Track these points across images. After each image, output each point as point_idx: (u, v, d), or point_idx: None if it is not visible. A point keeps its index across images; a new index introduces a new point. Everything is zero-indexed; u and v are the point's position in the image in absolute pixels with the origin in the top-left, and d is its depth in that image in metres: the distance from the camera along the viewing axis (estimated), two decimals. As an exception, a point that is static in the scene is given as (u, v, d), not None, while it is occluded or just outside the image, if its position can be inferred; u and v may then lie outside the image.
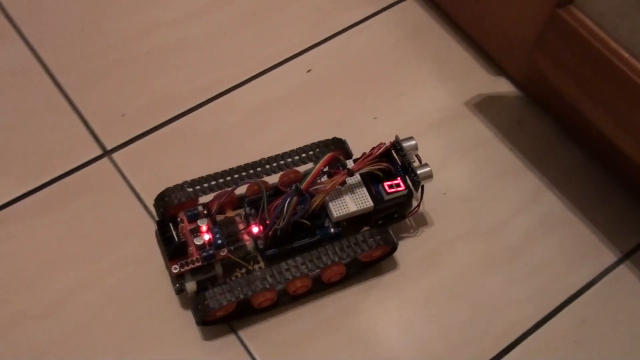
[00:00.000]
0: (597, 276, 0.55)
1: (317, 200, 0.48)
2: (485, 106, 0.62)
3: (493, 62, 0.64)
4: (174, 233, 0.48)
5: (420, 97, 0.62)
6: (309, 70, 0.63)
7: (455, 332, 0.52)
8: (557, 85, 0.49)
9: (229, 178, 0.50)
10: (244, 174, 0.51)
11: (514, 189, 0.58)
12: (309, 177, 0.48)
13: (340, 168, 0.50)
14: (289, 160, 0.51)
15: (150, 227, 0.53)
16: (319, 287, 0.51)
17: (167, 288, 0.51)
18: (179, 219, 0.49)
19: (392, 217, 0.52)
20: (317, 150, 0.52)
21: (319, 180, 0.49)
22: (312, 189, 0.48)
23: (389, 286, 0.53)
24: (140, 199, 0.55)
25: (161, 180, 0.55)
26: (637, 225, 0.57)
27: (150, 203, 0.54)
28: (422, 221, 0.55)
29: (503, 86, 0.63)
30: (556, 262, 0.55)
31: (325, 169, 0.49)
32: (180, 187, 0.50)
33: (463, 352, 0.51)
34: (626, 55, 0.44)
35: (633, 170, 0.56)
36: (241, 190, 0.51)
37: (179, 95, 0.60)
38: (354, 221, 0.51)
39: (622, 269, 0.55)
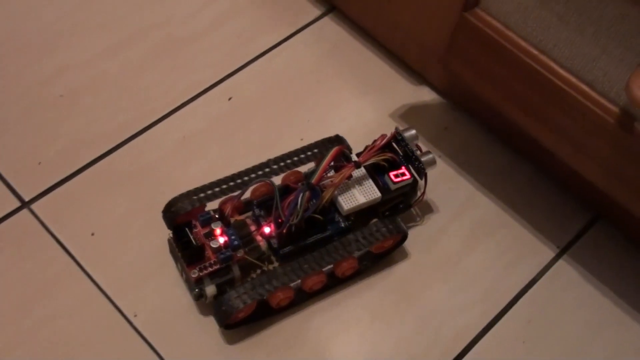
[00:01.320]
0: (537, 274, 0.55)
1: (327, 195, 0.49)
2: (411, 116, 0.62)
3: (414, 71, 0.64)
4: (191, 237, 0.48)
5: (345, 113, 0.62)
6: (230, 98, 0.62)
7: (403, 346, 0.51)
8: (474, 88, 0.49)
9: (232, 183, 0.50)
10: (246, 178, 0.51)
11: (447, 196, 0.58)
12: (319, 172, 0.48)
13: (346, 162, 0.51)
14: (295, 159, 0.52)
15: (78, 277, 0.51)
16: (334, 282, 0.51)
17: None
18: (192, 225, 0.49)
19: (398, 208, 0.53)
20: (316, 150, 0.53)
21: (325, 176, 0.50)
22: (320, 184, 0.49)
23: (336, 305, 0.52)
24: (65, 249, 0.53)
25: (87, 227, 0.54)
26: (570, 219, 0.57)
27: (77, 252, 0.52)
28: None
29: (426, 95, 0.63)
30: (496, 265, 0.55)
31: (332, 164, 0.50)
32: (186, 196, 0.50)
33: (412, 367, 0.50)
34: (535, 52, 0.44)
35: (559, 164, 0.56)
36: (246, 195, 0.51)
37: (98, 136, 0.58)
38: (362, 215, 0.52)
39: (560, 264, 0.55)
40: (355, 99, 0.62)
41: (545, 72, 0.44)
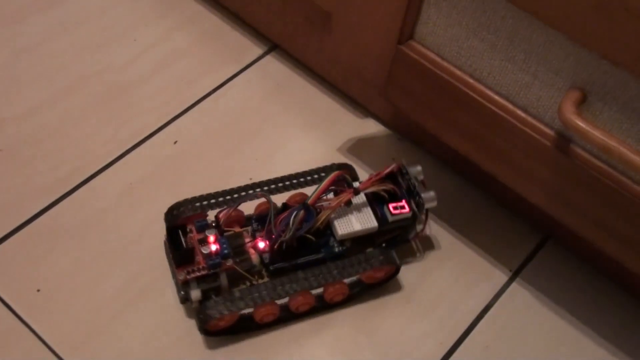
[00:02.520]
0: (492, 299, 0.55)
1: (322, 217, 0.49)
2: (358, 149, 0.62)
3: (358, 104, 0.64)
4: (183, 240, 0.49)
5: (293, 150, 0.62)
6: (175, 142, 0.61)
7: (362, 384, 0.50)
8: (415, 118, 0.49)
9: (236, 195, 0.52)
10: (250, 191, 0.52)
11: (398, 227, 0.58)
12: (316, 193, 0.49)
13: (347, 187, 0.51)
14: (301, 180, 0.53)
15: (25, 335, 0.50)
16: (322, 306, 0.51)
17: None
18: (188, 229, 0.50)
19: (396, 241, 0.53)
20: (323, 174, 0.54)
21: (325, 198, 0.50)
22: (317, 205, 0.49)
23: (287, 346, 0.51)
24: (9, 308, 0.51)
25: (33, 283, 0.52)
26: (521, 241, 0.58)
27: (22, 310, 0.51)
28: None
29: (372, 127, 0.64)
30: (451, 292, 0.55)
31: (332, 187, 0.50)
32: (189, 202, 0.51)
33: (374, 404, 0.49)
34: (471, 80, 0.45)
35: (505, 188, 0.57)
36: (249, 209, 0.52)
37: (40, 189, 0.57)
38: (359, 244, 0.52)
39: (514, 287, 0.56)
40: (302, 135, 0.63)
41: (482, 100, 0.44)
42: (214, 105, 0.64)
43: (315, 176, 0.54)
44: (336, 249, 0.51)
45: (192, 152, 0.61)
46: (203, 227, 0.50)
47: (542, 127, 0.43)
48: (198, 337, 0.51)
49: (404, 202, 0.52)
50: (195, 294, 0.48)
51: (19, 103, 0.62)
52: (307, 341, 0.51)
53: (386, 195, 0.52)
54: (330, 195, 0.51)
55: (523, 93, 0.43)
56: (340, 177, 0.51)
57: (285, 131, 0.63)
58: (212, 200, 0.52)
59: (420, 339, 0.52)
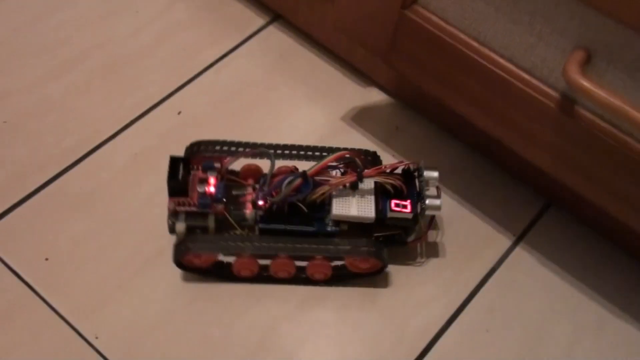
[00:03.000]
0: (496, 263, 0.55)
1: (320, 191, 0.49)
2: (362, 118, 0.62)
3: (362, 74, 0.64)
4: (180, 172, 0.49)
5: (297, 120, 0.62)
6: (179, 112, 0.61)
7: (369, 345, 0.51)
8: (420, 85, 0.49)
9: (255, 151, 0.52)
10: (271, 151, 0.51)
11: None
12: (317, 166, 0.49)
13: (356, 169, 0.50)
14: (322, 154, 0.52)
15: (34, 303, 0.50)
16: (301, 280, 0.51)
17: None
18: (194, 166, 0.51)
19: (393, 239, 0.51)
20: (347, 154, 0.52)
21: (332, 174, 0.50)
22: (321, 179, 0.49)
23: (300, 308, 0.51)
24: (19, 276, 0.52)
25: (41, 252, 0.52)
26: (524, 207, 0.58)
27: (31, 279, 0.51)
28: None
29: (375, 96, 0.64)
30: (456, 257, 0.55)
31: (340, 166, 0.50)
32: (212, 143, 0.52)
33: (380, 366, 0.50)
34: (475, 44, 0.45)
35: (509, 154, 0.57)
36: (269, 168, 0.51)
37: (46, 160, 0.57)
38: (356, 231, 0.51)
39: (517, 251, 0.56)
40: (306, 105, 0.63)
41: (487, 63, 0.44)
42: (217, 77, 0.64)
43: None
44: (329, 228, 0.50)
45: (196, 122, 0.61)
46: (209, 168, 0.50)
47: (546, 89, 0.43)
48: (205, 303, 0.52)
49: (408, 202, 0.50)
50: (180, 226, 0.49)
51: (22, 76, 0.62)
52: (313, 306, 0.52)
53: (391, 190, 0.50)
54: (338, 174, 0.51)
55: (528, 55, 0.43)
56: (350, 159, 0.51)
57: (289, 101, 0.63)
58: (232, 148, 0.52)
59: (425, 302, 0.53)
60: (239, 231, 0.50)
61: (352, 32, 0.52)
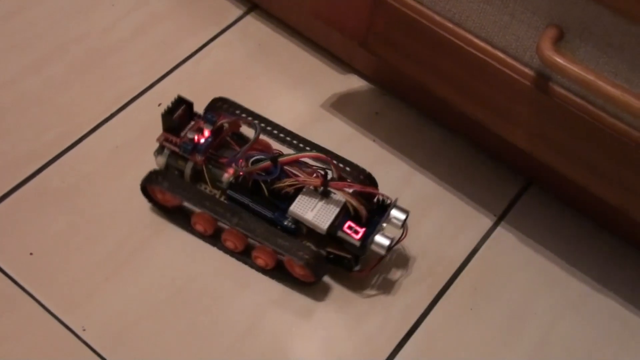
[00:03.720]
0: (478, 243, 0.56)
1: (285, 182, 0.49)
2: (341, 105, 0.63)
3: (341, 61, 0.65)
4: (178, 113, 0.51)
5: (277, 109, 0.62)
6: (160, 104, 0.61)
7: (355, 328, 0.51)
8: (398, 67, 0.50)
9: (269, 128, 0.54)
10: (260, 125, 0.53)
11: (384, 178, 0.58)
12: (291, 157, 0.49)
13: (324, 175, 0.50)
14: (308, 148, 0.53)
15: (20, 298, 0.50)
16: (244, 258, 0.52)
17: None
18: (197, 115, 0.53)
19: (340, 261, 0.50)
20: (345, 166, 0.53)
21: (300, 169, 0.50)
22: (292, 172, 0.49)
23: (285, 295, 0.52)
24: (4, 272, 0.52)
25: (25, 247, 0.52)
26: (504, 187, 0.59)
27: (16, 274, 0.52)
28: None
29: (354, 82, 0.64)
30: (438, 238, 0.56)
31: (319, 169, 0.50)
32: (234, 105, 0.55)
33: (368, 346, 0.51)
34: (450, 25, 0.46)
35: (488, 135, 0.58)
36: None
37: (26, 155, 0.57)
38: (313, 239, 0.50)
39: (499, 231, 0.57)
40: (286, 93, 0.63)
41: (462, 44, 0.45)
42: (195, 68, 0.64)
43: (343, 167, 0.53)
44: (286, 222, 0.49)
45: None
46: (209, 121, 0.52)
47: (521, 67, 0.44)
48: (192, 291, 0.52)
49: (362, 230, 0.48)
50: (160, 160, 0.52)
51: (1, 71, 0.61)
52: (300, 292, 0.53)
53: (352, 211, 0.49)
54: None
55: (502, 34, 0.44)
56: (326, 164, 0.50)
57: (269, 90, 0.63)
58: (250, 118, 0.54)
59: (409, 284, 0.54)
60: (209, 188, 0.52)
61: (328, 18, 0.52)
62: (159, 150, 0.53)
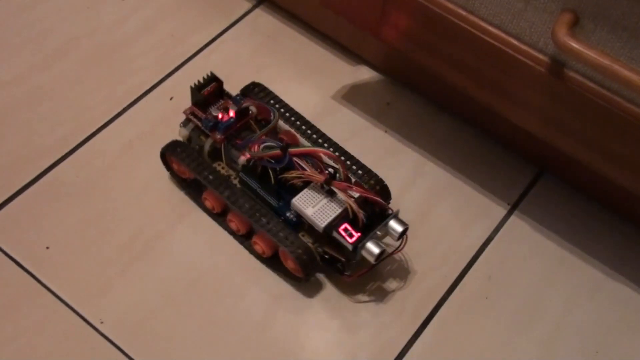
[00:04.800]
0: (492, 232, 0.56)
1: (291, 174, 0.49)
2: (352, 96, 0.63)
3: (351, 52, 0.65)
4: (207, 90, 0.53)
5: (288, 101, 0.61)
6: (171, 98, 0.61)
7: (370, 317, 0.51)
8: (411, 56, 0.50)
9: (293, 118, 0.55)
10: (302, 127, 0.55)
11: (396, 168, 0.59)
12: (302, 149, 0.50)
13: (330, 173, 0.49)
14: (333, 150, 0.53)
15: (38, 292, 0.51)
16: (245, 242, 0.53)
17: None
18: (227, 95, 0.54)
19: (333, 263, 0.50)
20: (362, 171, 0.53)
21: (307, 163, 0.50)
22: (300, 164, 0.49)
23: (300, 288, 0.52)
24: (21, 266, 0.52)
25: (41, 241, 0.53)
26: (517, 176, 0.59)
27: (33, 268, 0.52)
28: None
29: (365, 73, 0.64)
30: (453, 227, 0.56)
31: (329, 166, 0.50)
32: (268, 93, 0.56)
33: (384, 336, 0.51)
34: (463, 12, 0.46)
35: (500, 123, 0.58)
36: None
37: (40, 150, 0.57)
38: (312, 236, 0.50)
39: (513, 219, 0.57)
40: (296, 85, 0.63)
41: (476, 31, 0.45)
42: (206, 61, 0.64)
43: (356, 169, 0.53)
44: (287, 213, 0.50)
45: (188, 106, 0.61)
46: (236, 102, 0.53)
47: (536, 53, 0.44)
48: (207, 283, 0.52)
49: (357, 234, 0.48)
50: (183, 132, 0.54)
51: (11, 68, 0.61)
52: (314, 283, 0.53)
53: (350, 215, 0.48)
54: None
55: (516, 21, 0.44)
56: (331, 157, 0.50)
57: (279, 83, 0.63)
58: (277, 105, 0.55)
59: (424, 273, 0.54)
60: (223, 166, 0.53)
61: (339, 8, 0.52)
62: (185, 123, 0.54)
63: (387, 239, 0.52)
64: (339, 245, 0.49)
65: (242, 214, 0.50)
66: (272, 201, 0.50)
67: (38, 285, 0.51)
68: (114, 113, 0.60)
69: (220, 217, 0.54)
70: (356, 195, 0.49)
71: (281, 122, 0.55)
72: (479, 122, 0.61)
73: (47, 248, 0.53)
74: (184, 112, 0.54)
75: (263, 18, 0.67)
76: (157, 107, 0.61)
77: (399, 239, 0.50)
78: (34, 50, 0.63)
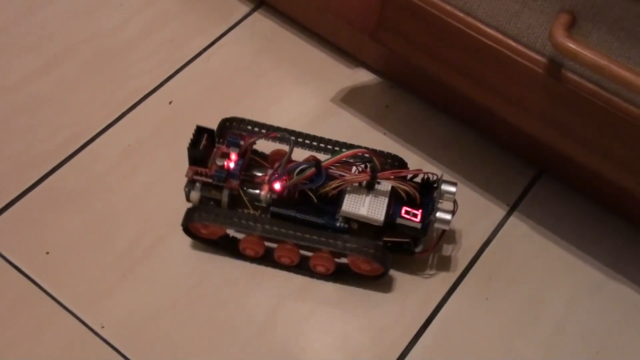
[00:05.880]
0: (492, 233, 0.56)
1: (333, 184, 0.49)
2: (351, 98, 0.63)
3: (349, 55, 0.65)
4: (203, 143, 0.50)
5: (287, 105, 0.62)
6: (170, 102, 0.61)
7: (370, 321, 0.51)
8: (409, 59, 0.50)
9: (278, 134, 0.52)
10: (299, 139, 0.52)
11: (396, 170, 0.59)
12: (333, 159, 0.49)
13: (372, 168, 0.50)
14: (340, 149, 0.52)
15: (38, 297, 0.51)
16: (303, 270, 0.52)
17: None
18: (219, 140, 0.52)
19: (401, 247, 0.50)
20: (367, 155, 0.51)
21: (342, 169, 0.49)
22: (335, 173, 0.49)
23: (302, 290, 0.52)
24: (21, 271, 0.52)
25: (41, 247, 0.53)
26: (516, 177, 0.59)
27: (34, 273, 0.52)
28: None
29: (364, 76, 0.64)
30: (452, 230, 0.56)
31: (358, 163, 0.50)
32: (243, 122, 0.53)
33: (384, 338, 0.51)
34: (461, 14, 0.46)
35: (499, 125, 0.58)
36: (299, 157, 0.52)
37: (40, 155, 0.57)
38: (366, 232, 0.50)
39: (512, 220, 0.57)
40: (295, 89, 0.63)
41: (473, 33, 0.45)
42: (205, 65, 0.64)
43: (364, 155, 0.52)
44: (338, 223, 0.50)
45: (188, 111, 0.61)
46: (233, 144, 0.51)
47: (533, 55, 0.44)
48: (208, 287, 0.52)
49: (419, 212, 0.49)
50: (194, 195, 0.51)
51: (11, 73, 0.62)
52: (317, 286, 0.53)
53: (404, 197, 0.50)
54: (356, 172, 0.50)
55: (513, 22, 0.44)
56: (369, 158, 0.50)
57: (278, 86, 0.63)
58: (263, 130, 0.53)
59: (424, 276, 0.54)
60: (251, 210, 0.51)
61: (338, 11, 0.52)
62: (190, 185, 0.51)
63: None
64: (395, 230, 0.49)
65: (295, 243, 0.50)
66: (317, 219, 0.50)
67: (38, 290, 0.51)
68: (113, 117, 0.60)
69: (263, 260, 0.52)
70: (404, 177, 0.50)
71: (262, 144, 0.54)
72: (478, 124, 0.61)
73: (47, 253, 0.53)
74: (187, 176, 0.51)
75: (262, 22, 0.67)
76: (156, 112, 0.61)
77: (454, 199, 0.50)
78: (34, 55, 0.63)
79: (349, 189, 0.50)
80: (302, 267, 0.52)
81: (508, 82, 0.46)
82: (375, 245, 0.49)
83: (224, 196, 0.51)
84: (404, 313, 0.52)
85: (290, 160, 0.50)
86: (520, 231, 0.57)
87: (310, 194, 0.50)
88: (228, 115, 0.54)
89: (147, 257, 0.53)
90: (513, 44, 0.45)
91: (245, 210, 0.51)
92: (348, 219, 0.50)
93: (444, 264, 0.54)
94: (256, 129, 0.53)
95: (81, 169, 0.57)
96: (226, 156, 0.51)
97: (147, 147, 0.58)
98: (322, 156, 0.51)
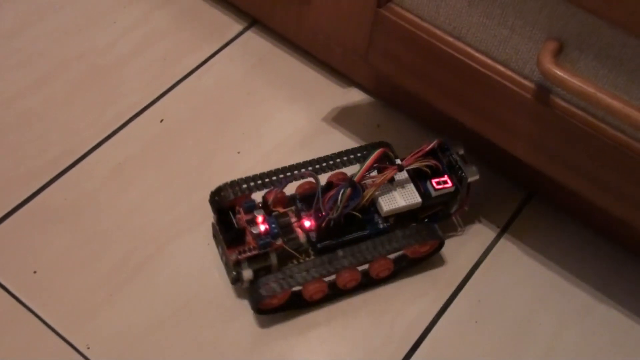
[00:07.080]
0: (482, 255, 0.56)
1: (368, 194, 0.50)
2: (343, 118, 0.63)
3: (341, 74, 0.65)
4: (234, 221, 0.49)
5: (279, 123, 0.62)
6: (162, 120, 0.61)
7: (359, 343, 0.51)
8: (399, 82, 0.50)
9: (281, 176, 0.51)
10: (295, 172, 0.52)
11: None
12: (362, 170, 0.50)
13: (389, 164, 0.51)
14: (338, 161, 0.53)
15: (24, 316, 0.50)
16: (369, 282, 0.52)
17: None
18: (236, 210, 0.50)
19: (438, 216, 0.53)
20: (359, 154, 0.53)
21: (368, 176, 0.50)
22: (362, 182, 0.50)
23: (290, 311, 0.52)
24: (7, 291, 0.52)
25: (28, 266, 0.52)
26: (507, 199, 0.59)
27: (20, 292, 0.51)
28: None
29: (355, 96, 0.64)
30: (442, 251, 0.56)
31: (375, 165, 0.51)
32: (235, 183, 0.50)
33: (375, 359, 0.51)
34: (450, 39, 0.46)
35: (489, 147, 0.58)
36: (292, 190, 0.53)
37: (28, 173, 0.57)
38: (402, 220, 0.52)
39: (502, 242, 0.57)
40: (287, 107, 0.63)
41: (462, 57, 0.45)
42: (197, 83, 0.64)
43: (359, 155, 0.53)
44: (380, 226, 0.51)
45: (179, 129, 0.61)
46: (251, 208, 0.49)
47: (522, 80, 0.44)
48: (195, 308, 0.52)
49: (446, 178, 0.52)
50: (247, 273, 0.49)
51: (1, 89, 0.61)
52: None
53: (429, 171, 0.52)
54: (374, 173, 0.51)
55: (502, 48, 0.44)
56: (383, 155, 0.51)
57: (270, 104, 0.63)
58: (259, 182, 0.51)
59: (413, 299, 0.54)
60: (301, 259, 0.51)
61: (330, 33, 0.52)
62: (238, 267, 0.49)
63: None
64: (428, 205, 0.52)
65: (355, 265, 0.50)
66: (363, 232, 0.51)
67: (24, 309, 0.51)
68: (103, 136, 0.60)
69: (331, 295, 0.52)
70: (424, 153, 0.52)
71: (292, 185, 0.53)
72: (469, 144, 0.61)
73: (35, 272, 0.52)
74: (233, 260, 0.49)
75: (254, 40, 0.67)
76: (147, 130, 0.61)
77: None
78: (25, 72, 0.63)
79: (377, 192, 0.51)
80: (367, 281, 0.52)
81: (496, 106, 0.46)
82: (424, 226, 0.52)
83: (273, 259, 0.50)
84: (392, 335, 0.52)
85: (318, 196, 0.49)
86: (510, 253, 0.56)
87: (356, 213, 0.50)
88: (217, 134, 0.54)
89: (135, 276, 0.53)
90: (502, 69, 0.45)
91: (294, 261, 0.51)
92: (386, 218, 0.51)
93: (433, 285, 0.54)
94: (252, 184, 0.50)
95: (71, 187, 0.57)
96: (253, 222, 0.49)
97: (138, 165, 0.58)
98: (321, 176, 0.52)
